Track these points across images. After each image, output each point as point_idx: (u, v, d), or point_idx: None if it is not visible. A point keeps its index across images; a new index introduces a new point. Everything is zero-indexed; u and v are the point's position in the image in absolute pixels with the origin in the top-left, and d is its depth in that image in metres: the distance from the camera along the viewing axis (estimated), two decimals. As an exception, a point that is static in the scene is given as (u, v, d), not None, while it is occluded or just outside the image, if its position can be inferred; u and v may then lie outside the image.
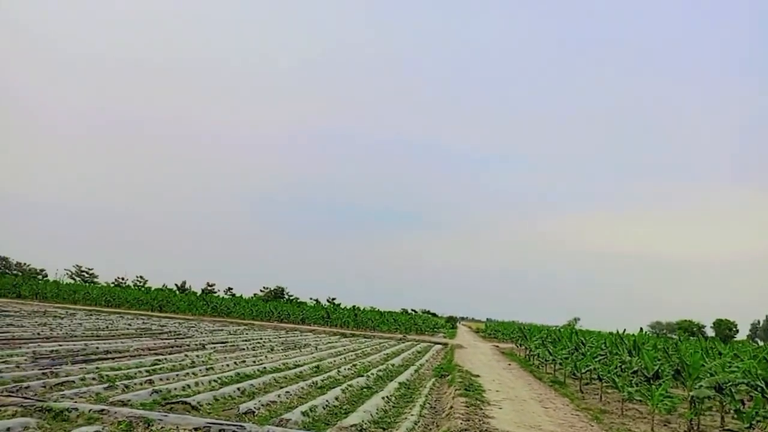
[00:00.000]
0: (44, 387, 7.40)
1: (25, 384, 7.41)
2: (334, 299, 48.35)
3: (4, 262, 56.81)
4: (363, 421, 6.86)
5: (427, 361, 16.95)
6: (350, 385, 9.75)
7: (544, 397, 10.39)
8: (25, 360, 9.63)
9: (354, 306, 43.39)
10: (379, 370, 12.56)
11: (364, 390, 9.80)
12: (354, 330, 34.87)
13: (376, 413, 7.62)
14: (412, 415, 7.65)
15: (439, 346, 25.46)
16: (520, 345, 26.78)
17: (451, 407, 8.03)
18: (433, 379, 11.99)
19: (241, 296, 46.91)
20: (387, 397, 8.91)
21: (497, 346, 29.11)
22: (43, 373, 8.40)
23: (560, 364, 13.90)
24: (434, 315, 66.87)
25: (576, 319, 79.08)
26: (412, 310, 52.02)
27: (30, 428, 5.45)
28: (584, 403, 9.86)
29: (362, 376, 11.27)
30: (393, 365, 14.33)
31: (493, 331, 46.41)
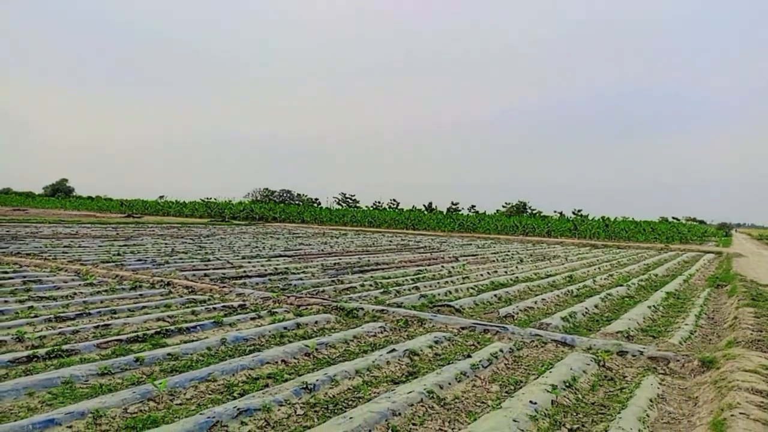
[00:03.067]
0: (335, 291, 8.86)
1: (321, 288, 8.98)
2: (579, 211, 46.21)
3: (288, 195, 68.40)
4: (629, 328, 6.57)
5: (697, 270, 15.20)
6: (609, 294, 9.37)
7: None
8: (317, 270, 11.61)
9: (603, 216, 40.86)
10: (641, 280, 11.75)
11: (626, 299, 9.32)
12: (605, 241, 33.01)
13: (643, 321, 7.21)
14: (686, 324, 7.03)
15: (711, 256, 22.52)
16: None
17: (735, 318, 7.13)
18: (708, 290, 10.74)
19: (484, 213, 48.15)
20: (653, 306, 8.33)
21: (791, 255, 24.44)
22: (332, 281, 10.03)
23: None
24: (701, 222, 58.97)
25: None
26: (674, 218, 46.66)
27: (331, 322, 6.63)
28: None
29: (621, 285, 10.71)
30: (656, 275, 13.24)
31: (783, 238, 38.94)
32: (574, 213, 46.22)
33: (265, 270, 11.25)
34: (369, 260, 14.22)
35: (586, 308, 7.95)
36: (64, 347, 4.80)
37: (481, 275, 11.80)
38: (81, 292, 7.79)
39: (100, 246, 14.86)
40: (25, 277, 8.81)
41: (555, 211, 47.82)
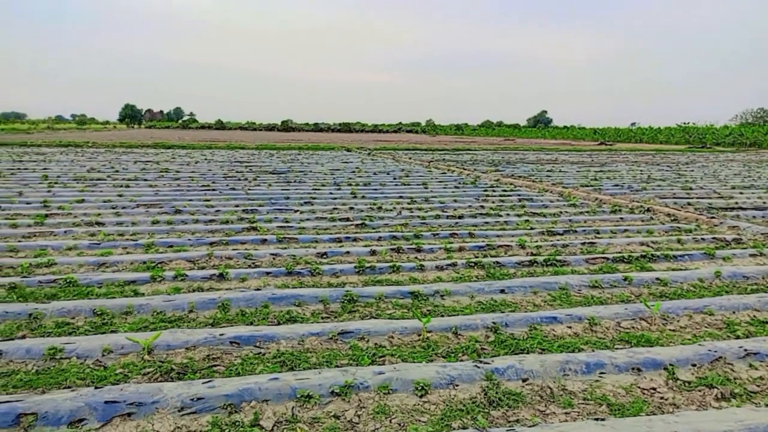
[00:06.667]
0: None
1: None
2: None
3: None
4: None
5: None
6: None
7: None
8: None
9: None
10: None
11: None
12: None
13: None
14: None
15: None
16: None
17: None
18: None
19: None
20: None
21: None
22: None
23: None
24: None
25: None
26: None
27: None
28: None
29: None
30: None
31: None
32: None
33: (764, 203, 9.47)
34: None
35: None
36: (557, 258, 5.33)
37: None
38: (566, 212, 8.45)
39: (577, 171, 15.69)
40: (519, 195, 10.20)
41: None
